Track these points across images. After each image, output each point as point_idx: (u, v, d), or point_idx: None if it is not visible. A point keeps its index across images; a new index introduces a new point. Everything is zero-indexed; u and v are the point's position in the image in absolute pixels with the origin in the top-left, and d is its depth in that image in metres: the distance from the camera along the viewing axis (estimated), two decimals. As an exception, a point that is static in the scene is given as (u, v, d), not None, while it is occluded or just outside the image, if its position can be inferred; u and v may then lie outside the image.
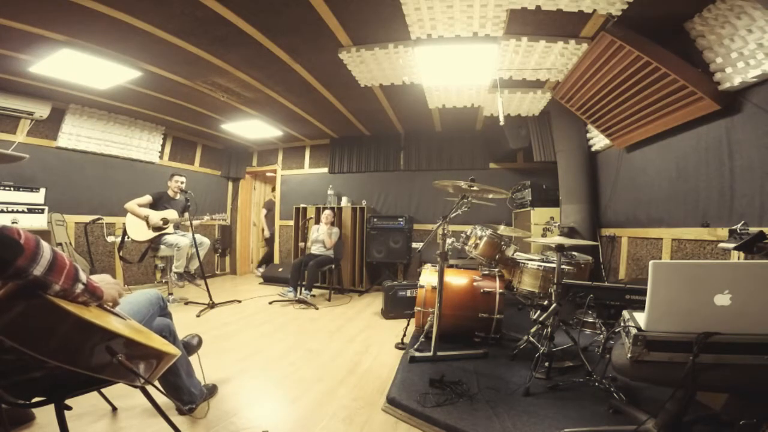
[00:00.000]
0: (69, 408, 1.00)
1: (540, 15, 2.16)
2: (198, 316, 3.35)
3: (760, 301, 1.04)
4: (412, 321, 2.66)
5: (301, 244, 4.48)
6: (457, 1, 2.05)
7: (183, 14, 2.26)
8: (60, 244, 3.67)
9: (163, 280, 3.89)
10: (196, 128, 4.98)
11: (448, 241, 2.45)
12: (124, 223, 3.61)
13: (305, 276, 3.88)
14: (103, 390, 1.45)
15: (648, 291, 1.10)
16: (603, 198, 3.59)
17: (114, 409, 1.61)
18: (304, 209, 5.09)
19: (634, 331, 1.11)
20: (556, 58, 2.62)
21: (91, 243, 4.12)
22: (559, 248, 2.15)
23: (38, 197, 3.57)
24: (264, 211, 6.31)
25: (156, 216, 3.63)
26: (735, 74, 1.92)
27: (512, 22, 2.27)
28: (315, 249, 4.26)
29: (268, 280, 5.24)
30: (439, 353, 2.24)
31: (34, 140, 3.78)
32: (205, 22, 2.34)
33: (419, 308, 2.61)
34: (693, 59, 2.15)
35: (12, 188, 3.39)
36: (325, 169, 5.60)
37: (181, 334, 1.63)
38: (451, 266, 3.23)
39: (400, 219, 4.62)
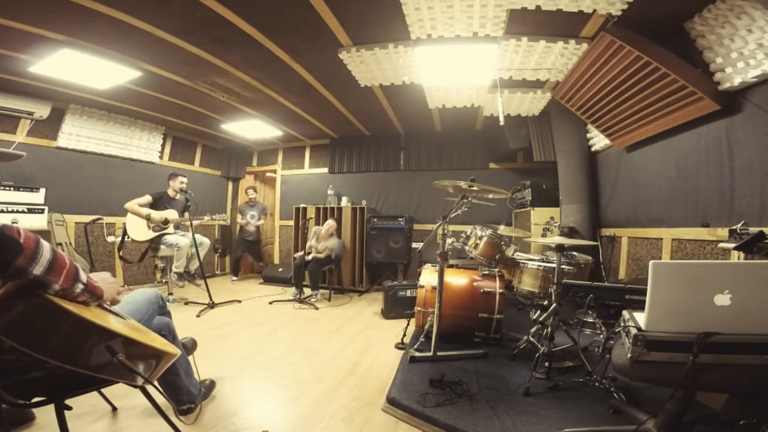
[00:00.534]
0: (69, 408, 1.00)
1: (540, 15, 2.16)
2: (198, 316, 3.35)
3: (760, 301, 1.04)
4: (412, 321, 2.66)
5: (297, 255, 4.33)
6: (457, 1, 2.05)
7: (183, 14, 2.26)
8: (60, 244, 3.67)
9: (163, 280, 3.88)
10: (196, 128, 4.98)
11: (448, 241, 2.45)
12: (124, 223, 3.61)
13: (306, 276, 3.87)
14: (103, 390, 1.45)
15: (648, 291, 1.10)
16: (603, 198, 3.59)
17: (114, 409, 1.61)
18: (304, 209, 5.09)
19: (634, 331, 1.11)
20: (556, 58, 2.62)
21: (91, 243, 4.12)
22: (559, 248, 2.15)
23: (38, 197, 3.57)
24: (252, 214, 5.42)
25: (157, 215, 3.63)
26: (735, 74, 1.92)
27: (512, 22, 2.26)
28: (311, 253, 4.18)
29: (268, 280, 5.25)
30: (439, 353, 2.24)
31: (34, 140, 3.78)
32: (205, 22, 2.34)
33: (419, 308, 2.61)
34: (693, 59, 2.15)
35: (12, 188, 3.39)
36: (325, 169, 5.60)
37: (180, 335, 1.63)
38: (451, 266, 3.23)
39: (400, 219, 4.62)
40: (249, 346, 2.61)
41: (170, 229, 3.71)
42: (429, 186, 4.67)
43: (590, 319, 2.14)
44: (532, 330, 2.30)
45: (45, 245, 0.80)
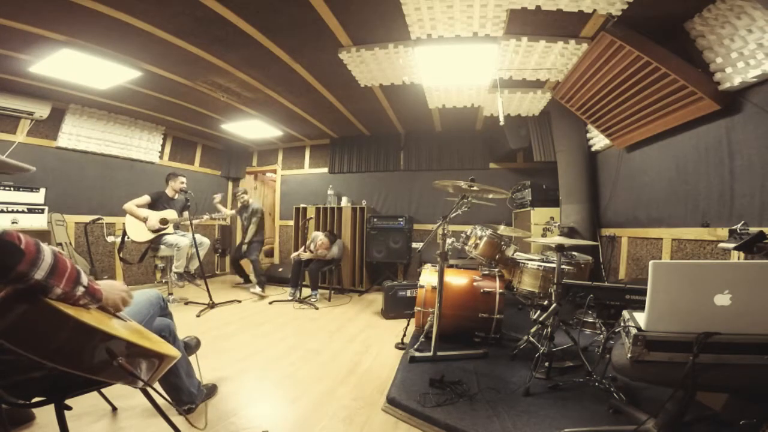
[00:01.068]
0: (69, 408, 1.00)
1: (540, 15, 2.15)
2: (198, 316, 3.35)
3: (760, 301, 1.04)
4: (412, 321, 2.66)
5: (297, 253, 4.31)
6: (457, 1, 2.04)
7: (183, 14, 2.26)
8: (60, 244, 3.67)
9: (163, 280, 3.89)
10: (196, 128, 4.98)
11: (448, 241, 2.45)
12: (123, 224, 3.61)
13: (305, 276, 3.86)
14: (103, 390, 1.45)
15: (648, 291, 1.10)
16: (603, 198, 3.59)
17: (114, 409, 1.61)
18: (304, 209, 5.09)
19: (634, 331, 1.11)
20: (556, 58, 2.62)
21: (91, 243, 4.11)
22: (559, 248, 2.15)
23: (38, 197, 3.57)
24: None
25: (155, 217, 3.63)
26: (735, 74, 1.92)
27: (512, 22, 2.26)
28: (308, 254, 4.12)
29: (268, 280, 5.24)
30: (439, 353, 2.24)
31: (34, 140, 3.78)
32: (205, 22, 2.34)
33: (419, 308, 2.61)
34: (693, 59, 2.15)
35: (12, 188, 3.39)
36: (325, 169, 5.59)
37: (181, 335, 1.63)
38: (451, 266, 3.23)
39: (400, 219, 4.62)
40: (249, 346, 2.61)
41: (170, 229, 3.71)
42: (429, 186, 4.66)
43: (590, 319, 2.14)
44: (532, 330, 2.30)
45: (46, 249, 0.80)
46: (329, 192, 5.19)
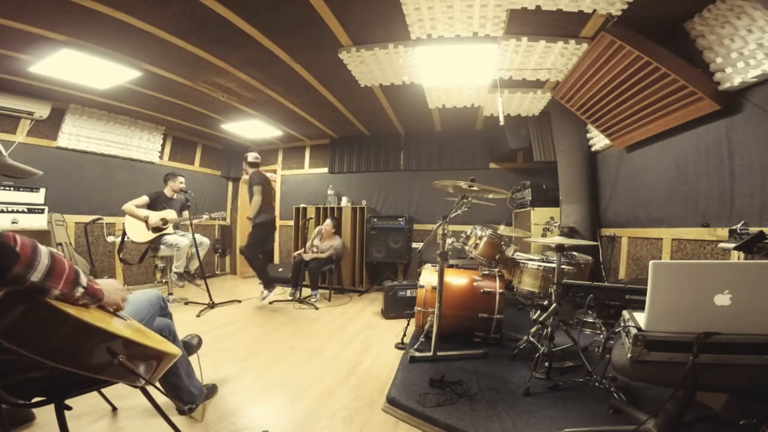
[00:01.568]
0: (69, 408, 1.00)
1: (540, 15, 2.15)
2: (198, 316, 3.35)
3: (760, 301, 1.04)
4: (412, 321, 2.66)
5: (300, 251, 4.35)
6: (457, 1, 2.04)
7: (183, 14, 2.26)
8: (60, 244, 3.67)
9: (163, 280, 3.89)
10: (196, 128, 4.98)
11: (448, 241, 2.45)
12: (123, 224, 3.61)
13: (305, 276, 3.86)
14: (103, 390, 1.45)
15: (648, 291, 1.10)
16: (603, 198, 3.59)
17: (114, 409, 1.61)
18: (304, 209, 5.09)
19: (634, 331, 1.11)
20: (556, 58, 2.62)
21: (91, 243, 4.12)
22: (559, 248, 2.15)
23: (38, 197, 3.58)
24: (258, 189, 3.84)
25: (155, 217, 3.63)
26: (735, 74, 1.92)
27: (512, 22, 2.26)
28: (312, 252, 4.22)
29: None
30: (439, 353, 2.24)
31: (34, 140, 3.78)
32: (205, 22, 2.34)
33: (419, 308, 2.61)
34: (693, 59, 2.15)
35: (12, 188, 3.39)
36: (325, 169, 5.59)
37: (181, 334, 1.63)
38: (451, 266, 3.23)
39: (400, 219, 4.62)
40: (249, 346, 2.61)
41: (170, 229, 3.71)
42: (429, 186, 4.66)
43: (590, 319, 2.14)
44: (532, 330, 2.30)
45: (43, 251, 0.79)
46: (329, 192, 5.20)
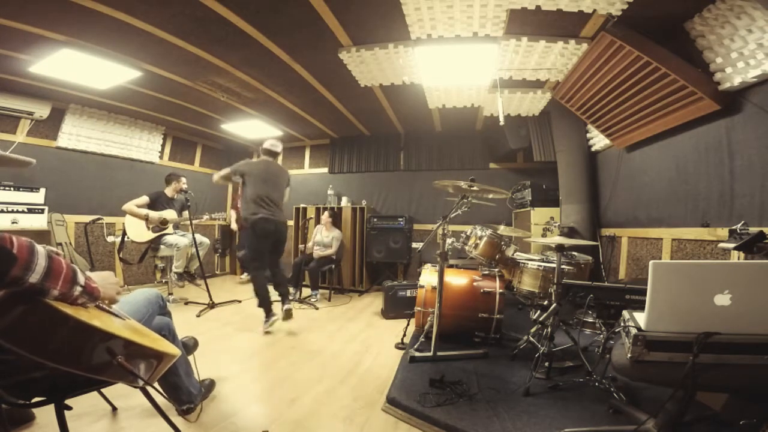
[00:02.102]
0: (69, 408, 1.00)
1: (540, 15, 2.15)
2: (198, 316, 3.35)
3: (760, 301, 1.04)
4: (412, 321, 2.66)
5: (301, 247, 4.44)
6: (457, 1, 2.04)
7: (183, 14, 2.26)
8: (60, 244, 3.66)
9: (163, 280, 3.89)
10: (196, 128, 4.98)
11: (448, 241, 2.45)
12: (123, 224, 3.61)
13: (305, 276, 3.86)
14: (103, 390, 1.45)
15: (648, 291, 1.10)
16: (603, 198, 3.59)
17: (114, 409, 1.61)
18: (304, 209, 5.09)
19: (634, 331, 1.11)
20: (556, 58, 2.62)
21: (91, 243, 4.12)
22: (559, 248, 2.15)
23: (38, 197, 3.57)
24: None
25: (156, 216, 3.63)
26: (735, 74, 1.92)
27: (512, 22, 2.26)
28: (317, 250, 4.26)
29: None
30: (439, 353, 2.24)
31: (34, 140, 3.78)
32: (205, 22, 2.34)
33: (419, 308, 2.61)
34: (693, 59, 2.15)
35: (12, 188, 3.39)
36: (325, 169, 5.59)
37: (181, 335, 1.63)
38: (451, 266, 3.23)
39: (400, 219, 4.62)
40: (249, 346, 2.61)
41: (170, 229, 3.71)
42: (429, 186, 4.65)
43: (590, 319, 2.14)
44: (532, 330, 2.30)
45: (40, 252, 0.78)
46: (329, 192, 5.19)
